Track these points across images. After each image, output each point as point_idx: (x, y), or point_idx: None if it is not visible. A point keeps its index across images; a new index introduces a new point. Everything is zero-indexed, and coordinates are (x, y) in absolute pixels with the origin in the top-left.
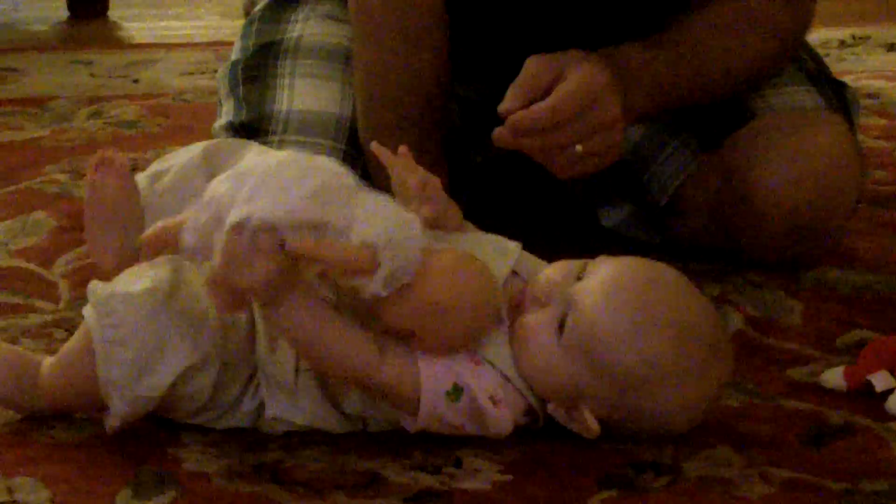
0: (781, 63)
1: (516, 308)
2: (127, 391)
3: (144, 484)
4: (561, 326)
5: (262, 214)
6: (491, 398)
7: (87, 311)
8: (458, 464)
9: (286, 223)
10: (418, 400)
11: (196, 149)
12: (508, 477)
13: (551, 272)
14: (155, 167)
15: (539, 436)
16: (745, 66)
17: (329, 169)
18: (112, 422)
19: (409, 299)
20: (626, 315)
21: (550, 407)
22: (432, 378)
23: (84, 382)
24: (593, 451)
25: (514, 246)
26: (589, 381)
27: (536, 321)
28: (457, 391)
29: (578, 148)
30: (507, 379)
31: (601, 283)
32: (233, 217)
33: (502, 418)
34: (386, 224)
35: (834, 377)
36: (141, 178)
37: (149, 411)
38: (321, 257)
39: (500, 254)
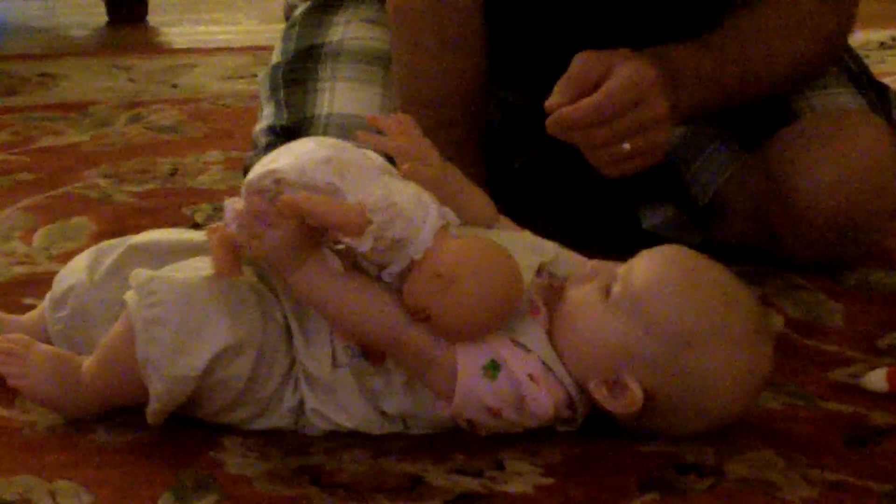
0: (825, 65)
1: (556, 294)
2: (165, 370)
3: (186, 487)
4: (607, 294)
5: (276, 168)
6: (530, 376)
7: (128, 294)
8: (499, 467)
9: (297, 181)
10: (454, 374)
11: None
12: (550, 480)
13: (594, 262)
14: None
15: (580, 439)
16: (791, 68)
17: (355, 149)
18: (152, 406)
19: (419, 273)
20: (675, 276)
21: (592, 385)
22: (468, 352)
23: (125, 368)
24: (635, 453)
25: (550, 245)
26: (636, 341)
27: (581, 292)
28: (494, 367)
29: (625, 146)
30: (545, 366)
31: (649, 257)
32: (250, 175)
33: (542, 399)
34: (393, 194)
35: (876, 379)
36: (46, 308)
37: (186, 395)
38: (310, 211)
39: (532, 249)
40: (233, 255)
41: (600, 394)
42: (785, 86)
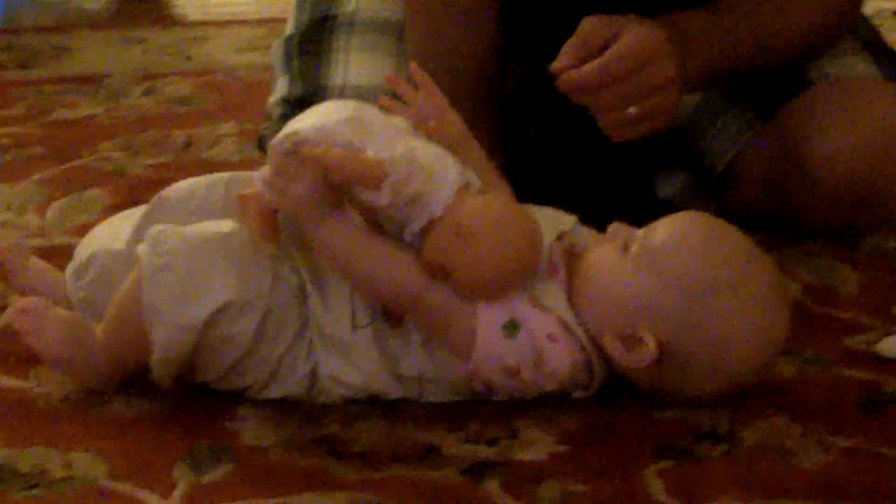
0: (838, 33)
1: (575, 257)
2: (168, 317)
3: (201, 457)
4: (625, 251)
5: (297, 129)
6: (549, 335)
7: (140, 247)
8: (513, 435)
9: (317, 141)
10: (473, 333)
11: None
12: (565, 447)
13: (615, 224)
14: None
15: (595, 407)
16: (802, 35)
17: (378, 111)
18: (155, 356)
19: (440, 229)
20: (696, 234)
21: (607, 339)
22: (488, 311)
23: (133, 321)
24: (650, 420)
25: (570, 217)
26: (653, 293)
27: (600, 250)
28: (513, 326)
29: (632, 109)
30: (564, 326)
31: (669, 219)
32: (278, 135)
33: (561, 357)
34: (414, 150)
35: (891, 345)
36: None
37: (188, 348)
38: (329, 163)
39: (552, 219)
40: (270, 221)
41: (615, 348)
42: (797, 53)
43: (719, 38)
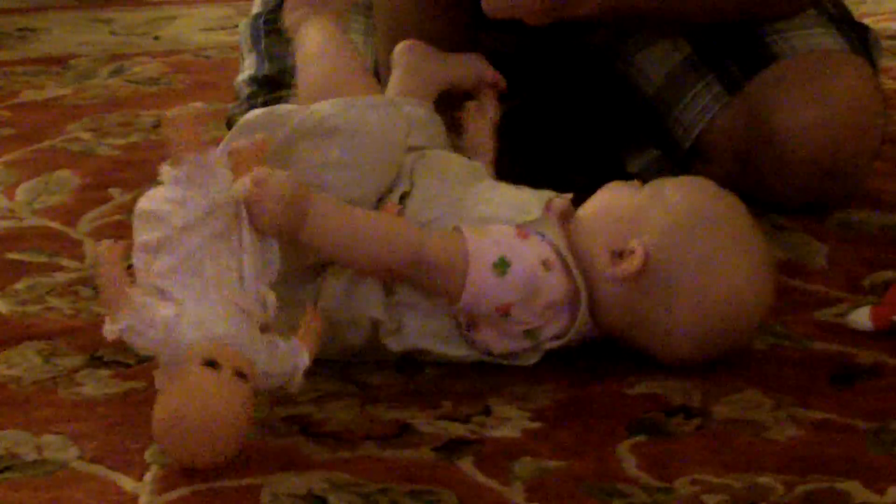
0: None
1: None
2: None
3: None
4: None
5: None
6: (543, 263)
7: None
8: (487, 412)
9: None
10: (464, 275)
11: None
12: (538, 424)
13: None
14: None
15: (568, 384)
16: None
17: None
18: None
19: None
20: (709, 186)
21: (597, 251)
22: (479, 249)
23: None
24: (622, 396)
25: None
26: (652, 213)
27: (612, 185)
28: (503, 263)
29: None
30: (558, 253)
31: (678, 178)
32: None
33: (555, 282)
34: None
35: (860, 318)
36: None
37: None
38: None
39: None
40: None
41: (601, 259)
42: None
43: None
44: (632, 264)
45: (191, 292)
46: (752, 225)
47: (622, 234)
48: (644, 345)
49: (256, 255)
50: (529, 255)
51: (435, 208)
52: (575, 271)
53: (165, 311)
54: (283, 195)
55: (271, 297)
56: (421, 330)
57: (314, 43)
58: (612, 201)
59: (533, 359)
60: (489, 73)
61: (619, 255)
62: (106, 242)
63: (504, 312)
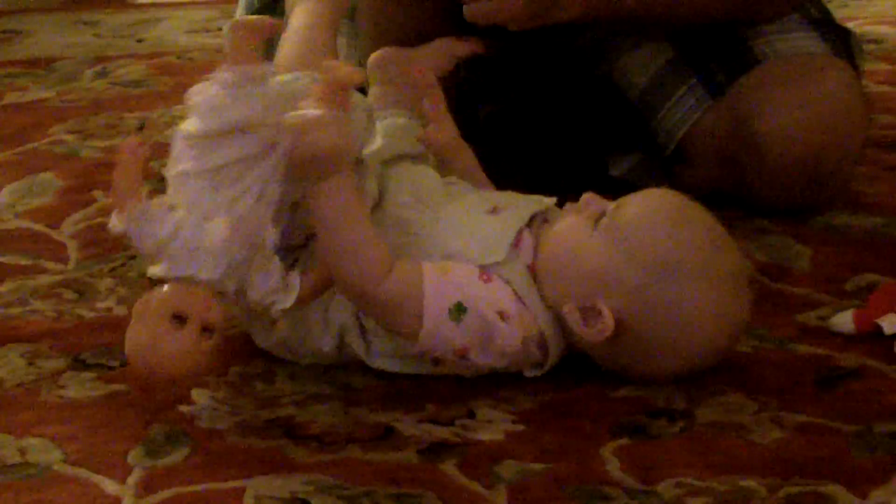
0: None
1: (545, 225)
2: None
3: (156, 441)
4: (595, 223)
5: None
6: (500, 313)
7: None
8: (471, 415)
9: None
10: (420, 319)
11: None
12: (522, 427)
13: (589, 194)
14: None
15: (551, 386)
16: None
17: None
18: None
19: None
20: (665, 212)
21: (566, 309)
22: (434, 295)
23: None
24: (606, 399)
25: (550, 199)
26: (616, 267)
27: (570, 219)
28: (459, 310)
29: None
30: (520, 300)
31: (642, 195)
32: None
33: (511, 333)
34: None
35: (844, 321)
36: None
37: None
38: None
39: (531, 200)
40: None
41: (573, 318)
42: (721, 10)
43: None
44: (603, 330)
45: (204, 201)
46: (718, 245)
47: (588, 291)
48: (623, 375)
49: (277, 190)
50: (488, 302)
51: (402, 235)
52: (540, 316)
53: (176, 212)
54: (334, 143)
55: (273, 237)
56: (388, 350)
57: (298, 22)
58: (573, 248)
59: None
60: (460, 47)
61: (589, 309)
62: (132, 137)
63: (462, 355)
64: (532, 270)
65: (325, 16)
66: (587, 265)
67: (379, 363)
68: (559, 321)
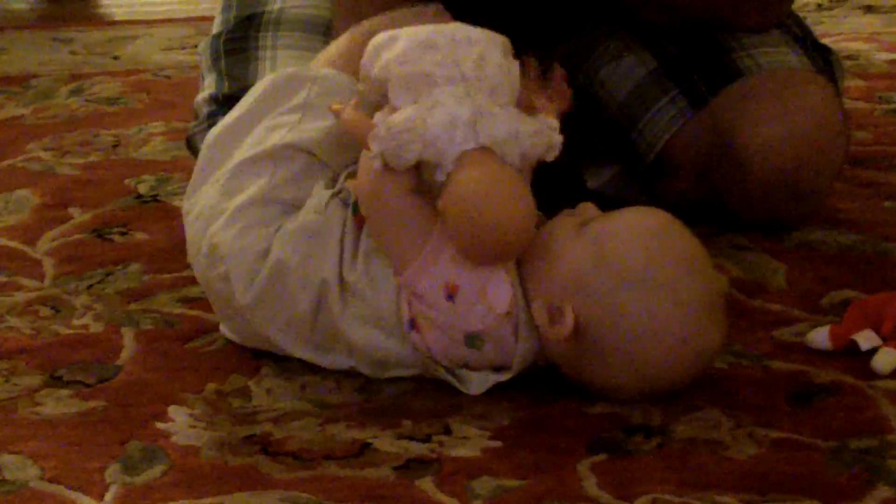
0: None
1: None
2: None
3: (134, 458)
4: (580, 227)
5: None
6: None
7: None
8: (447, 431)
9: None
10: (426, 239)
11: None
12: (498, 443)
13: (584, 203)
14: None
15: (528, 403)
16: None
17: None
18: None
19: (445, 190)
20: (647, 227)
21: (535, 305)
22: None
23: None
24: (582, 415)
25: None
26: (587, 270)
27: (559, 221)
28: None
29: None
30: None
31: (632, 210)
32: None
33: (505, 289)
34: (426, 114)
35: (819, 337)
36: None
37: None
38: (340, 119)
39: None
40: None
41: (540, 315)
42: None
43: None
44: (562, 330)
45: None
46: (693, 269)
47: (559, 291)
48: (588, 388)
49: None
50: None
51: None
52: (520, 306)
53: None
54: None
55: None
56: (365, 314)
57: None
58: (553, 247)
59: (479, 388)
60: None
61: (557, 310)
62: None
63: (450, 293)
64: (518, 266)
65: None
66: (561, 264)
67: (349, 329)
68: (531, 319)
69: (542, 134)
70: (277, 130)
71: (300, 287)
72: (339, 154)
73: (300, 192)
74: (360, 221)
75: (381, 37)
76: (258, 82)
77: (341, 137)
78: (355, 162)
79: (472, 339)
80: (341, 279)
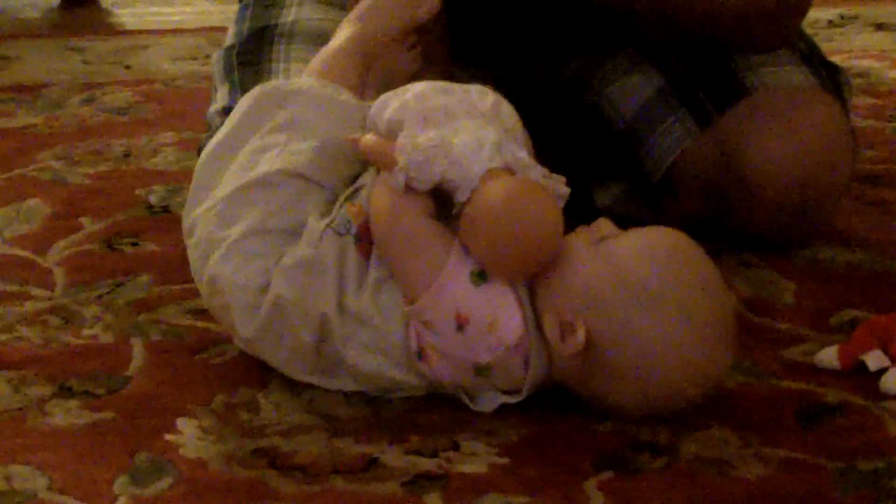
0: (774, 23)
1: None
2: None
3: (142, 470)
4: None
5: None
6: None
7: None
8: (455, 447)
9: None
10: (439, 268)
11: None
12: (505, 460)
13: (603, 219)
14: None
15: (535, 419)
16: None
17: (459, 90)
18: None
19: (466, 212)
20: (664, 248)
21: (547, 318)
22: (461, 257)
23: None
24: (589, 432)
25: None
26: (600, 285)
27: (577, 235)
28: (481, 276)
29: None
30: (519, 301)
31: (651, 229)
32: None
33: (515, 321)
34: (450, 136)
35: (828, 357)
36: None
37: None
38: (360, 146)
39: None
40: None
41: (551, 329)
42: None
43: None
44: (573, 344)
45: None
46: (707, 291)
47: (572, 306)
48: (596, 405)
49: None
50: (504, 286)
51: None
52: (532, 331)
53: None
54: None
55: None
56: (371, 343)
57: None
58: (568, 261)
59: (488, 407)
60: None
61: (568, 324)
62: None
63: (460, 324)
64: (531, 280)
65: (355, 44)
66: (575, 279)
67: (354, 358)
68: (542, 337)
69: (553, 179)
70: (266, 153)
71: (301, 322)
72: (331, 173)
73: (296, 216)
74: (364, 250)
75: (388, 93)
76: (242, 97)
77: (331, 156)
78: (351, 182)
79: (481, 370)
80: (342, 310)
